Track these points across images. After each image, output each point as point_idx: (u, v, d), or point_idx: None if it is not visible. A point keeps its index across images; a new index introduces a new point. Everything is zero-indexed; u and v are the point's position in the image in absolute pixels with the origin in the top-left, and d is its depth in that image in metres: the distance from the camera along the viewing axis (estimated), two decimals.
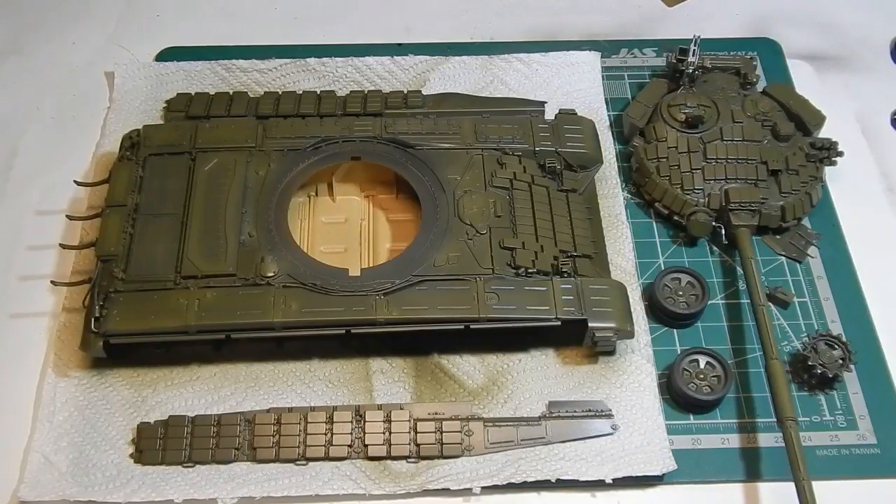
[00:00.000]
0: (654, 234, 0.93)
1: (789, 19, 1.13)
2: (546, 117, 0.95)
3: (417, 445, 0.78)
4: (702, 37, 0.96)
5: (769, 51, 1.08)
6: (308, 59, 1.03)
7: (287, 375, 0.83)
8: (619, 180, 0.95)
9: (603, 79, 1.03)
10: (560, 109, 0.95)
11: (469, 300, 0.80)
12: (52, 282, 0.85)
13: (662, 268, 0.90)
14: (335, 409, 0.79)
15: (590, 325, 0.80)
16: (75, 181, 0.91)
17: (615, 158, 0.97)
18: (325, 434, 0.78)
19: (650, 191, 0.93)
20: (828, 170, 0.94)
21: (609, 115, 1.01)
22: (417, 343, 0.84)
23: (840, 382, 0.83)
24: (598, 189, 0.93)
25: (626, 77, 1.05)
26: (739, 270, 0.90)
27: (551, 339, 0.84)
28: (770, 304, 0.87)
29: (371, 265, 0.86)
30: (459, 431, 0.78)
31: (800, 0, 1.15)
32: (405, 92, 0.97)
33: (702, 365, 0.82)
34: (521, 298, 0.80)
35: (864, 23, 1.12)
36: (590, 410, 0.80)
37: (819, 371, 0.81)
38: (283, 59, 1.03)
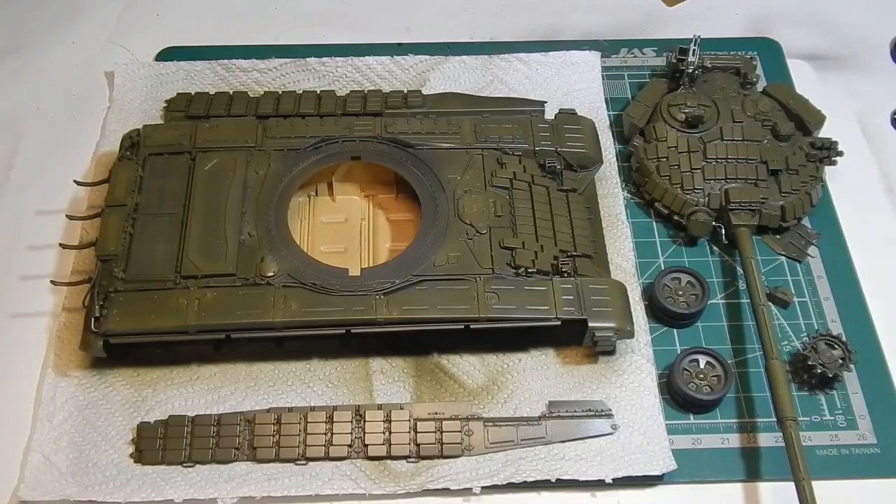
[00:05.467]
0: (654, 234, 0.93)
1: (789, 19, 1.13)
2: (546, 117, 0.95)
3: (417, 445, 0.78)
4: (702, 37, 0.96)
5: (769, 51, 1.08)
6: (308, 59, 1.03)
7: (287, 375, 0.83)
8: (619, 180, 0.95)
9: (603, 79, 1.03)
10: (560, 109, 0.95)
11: (469, 300, 0.80)
12: (52, 282, 0.85)
13: (662, 268, 0.90)
14: (335, 409, 0.79)
15: (590, 324, 0.80)
16: (75, 181, 0.91)
17: (615, 158, 0.97)
18: (325, 434, 0.78)
19: (650, 191, 0.93)
20: (828, 170, 0.94)
21: (609, 115, 1.01)
22: (417, 343, 0.84)
23: (840, 382, 0.83)
24: (598, 189, 0.93)
25: (626, 77, 1.05)
26: (739, 270, 0.90)
27: (551, 338, 0.84)
28: (770, 303, 0.87)
29: (371, 265, 0.86)
30: (459, 431, 0.78)
31: (800, 0, 1.15)
32: (405, 92, 0.97)
33: (702, 365, 0.82)
34: (521, 298, 0.80)
35: (864, 23, 1.12)
36: (590, 410, 0.80)
37: (819, 371, 0.81)
38: (283, 59, 1.03)
